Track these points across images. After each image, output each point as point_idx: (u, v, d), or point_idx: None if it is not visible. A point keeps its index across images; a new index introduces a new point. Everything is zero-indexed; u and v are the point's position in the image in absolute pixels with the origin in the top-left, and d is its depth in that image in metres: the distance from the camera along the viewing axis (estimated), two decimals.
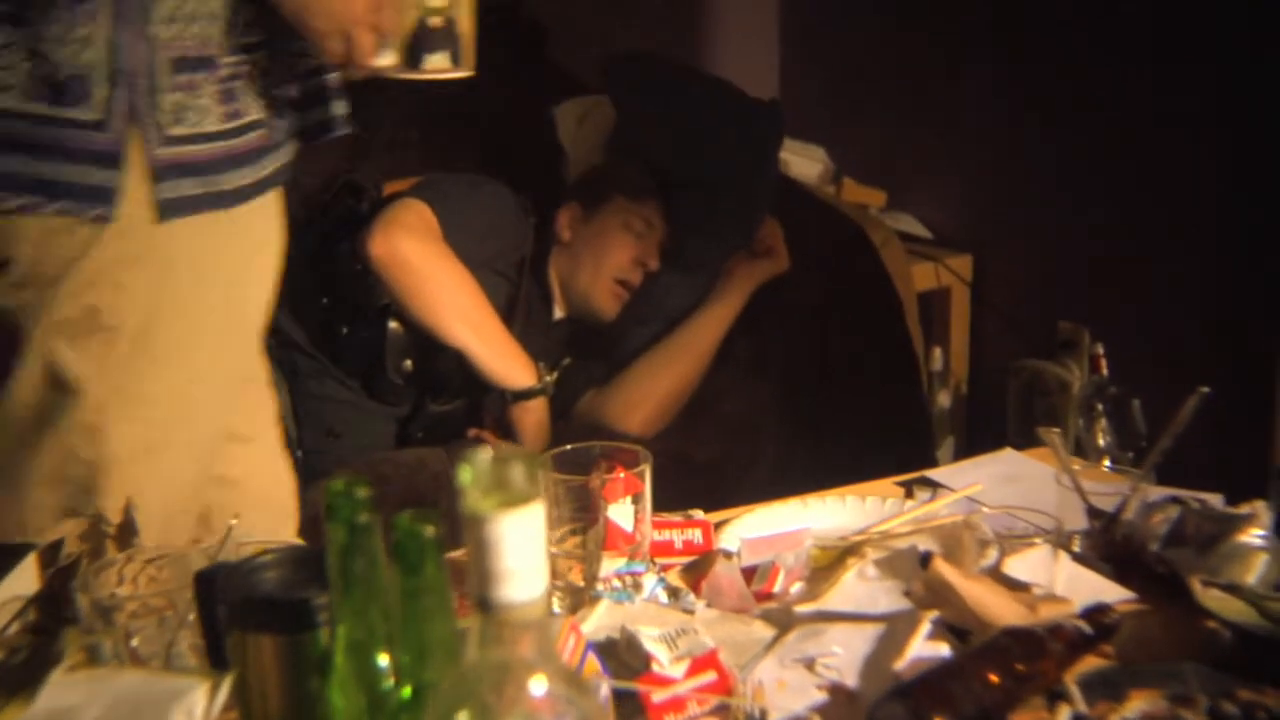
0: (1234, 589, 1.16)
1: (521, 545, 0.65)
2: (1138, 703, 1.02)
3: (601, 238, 2.37)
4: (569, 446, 1.28)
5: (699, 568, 1.28)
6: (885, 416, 2.56)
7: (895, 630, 1.13)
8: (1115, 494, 1.30)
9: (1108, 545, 1.28)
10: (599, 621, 1.17)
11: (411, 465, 2.07)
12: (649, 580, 1.23)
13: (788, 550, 1.27)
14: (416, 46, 1.34)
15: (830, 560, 1.30)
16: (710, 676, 1.03)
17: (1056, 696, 1.03)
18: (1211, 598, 1.14)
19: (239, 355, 1.49)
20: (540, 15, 2.91)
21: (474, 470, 0.65)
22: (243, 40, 1.36)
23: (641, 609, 1.20)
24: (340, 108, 1.49)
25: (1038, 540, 1.21)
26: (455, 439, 2.19)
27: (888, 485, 1.51)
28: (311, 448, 2.15)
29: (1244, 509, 1.28)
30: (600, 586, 1.22)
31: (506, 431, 2.19)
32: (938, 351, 3.00)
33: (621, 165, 2.51)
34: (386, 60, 1.35)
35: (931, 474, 1.54)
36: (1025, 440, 1.68)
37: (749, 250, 2.48)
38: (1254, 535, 1.23)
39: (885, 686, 1.03)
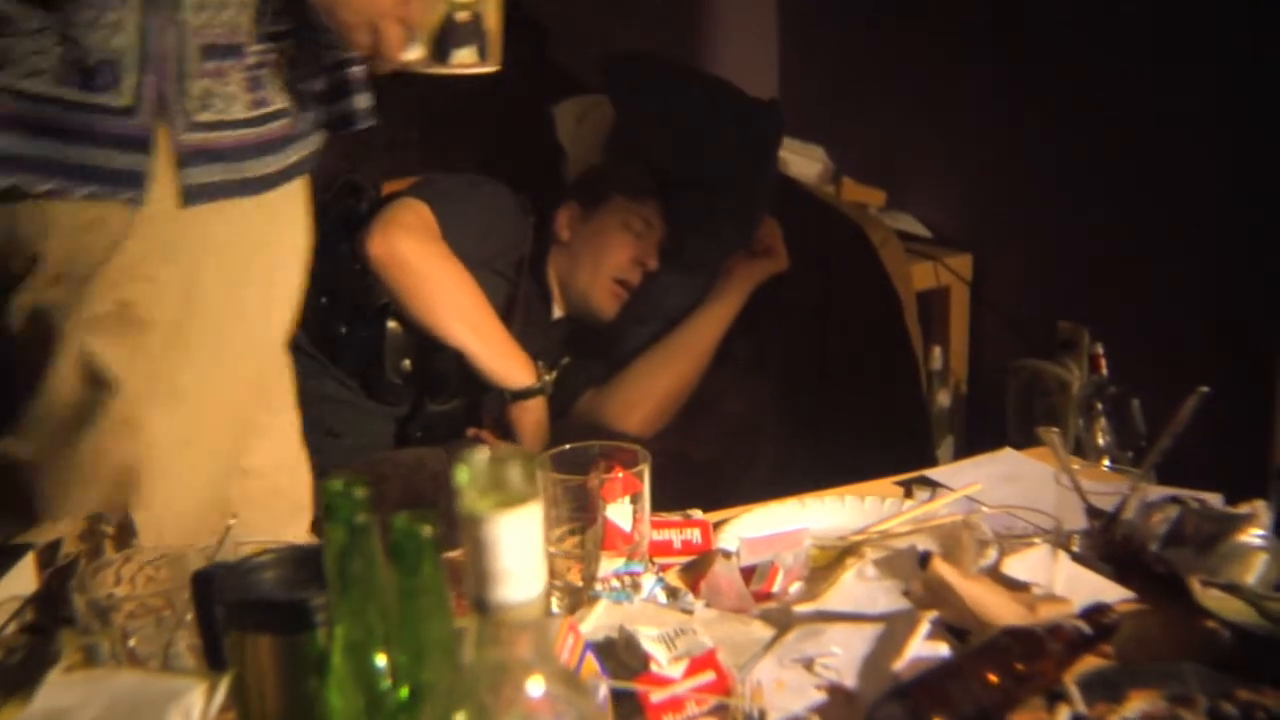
0: (1233, 589, 1.16)
1: (519, 545, 0.65)
2: (1137, 703, 1.02)
3: (600, 237, 2.37)
4: (567, 446, 1.28)
5: (698, 568, 1.27)
6: (884, 416, 2.56)
7: (894, 630, 1.13)
8: (1115, 494, 1.30)
9: (1107, 545, 1.27)
10: (597, 621, 1.17)
11: (410, 465, 2.06)
12: (647, 580, 1.23)
13: (787, 550, 1.27)
14: (444, 41, 1.34)
15: (829, 560, 1.30)
16: (709, 676, 1.03)
17: (1056, 697, 1.03)
18: (1211, 598, 1.14)
19: (268, 345, 1.49)
20: (540, 15, 2.91)
21: (471, 470, 0.65)
22: (271, 29, 1.36)
23: (640, 609, 1.20)
24: (365, 101, 1.49)
25: (1037, 540, 1.20)
26: (454, 439, 2.19)
27: (887, 485, 1.51)
28: (310, 447, 2.15)
29: (1244, 509, 1.28)
30: (599, 586, 1.21)
31: (505, 431, 2.19)
32: (937, 351, 3.00)
33: (621, 165, 2.51)
34: (414, 54, 1.35)
35: (931, 474, 1.54)
36: (1025, 440, 1.68)
37: (748, 250, 2.48)
38: (1253, 535, 1.23)
39: (884, 686, 1.03)
